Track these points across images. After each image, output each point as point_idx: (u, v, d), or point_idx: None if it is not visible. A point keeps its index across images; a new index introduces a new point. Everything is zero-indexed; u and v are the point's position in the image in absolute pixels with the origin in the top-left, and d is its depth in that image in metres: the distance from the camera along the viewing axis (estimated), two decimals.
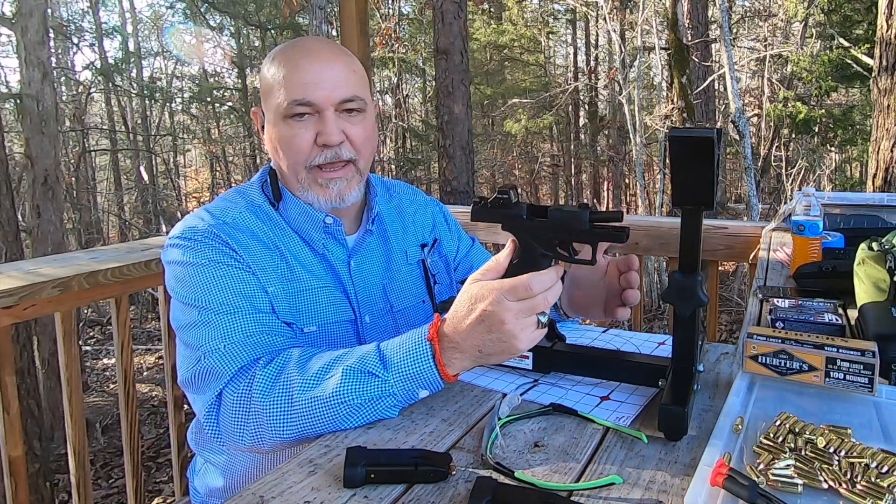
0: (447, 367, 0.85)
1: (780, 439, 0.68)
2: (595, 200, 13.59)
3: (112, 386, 6.71)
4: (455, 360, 0.85)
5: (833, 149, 10.46)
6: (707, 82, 9.48)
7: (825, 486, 0.62)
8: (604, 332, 1.19)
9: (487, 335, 0.82)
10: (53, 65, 8.00)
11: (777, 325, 1.04)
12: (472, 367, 0.88)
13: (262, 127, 1.13)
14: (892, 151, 3.47)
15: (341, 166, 1.09)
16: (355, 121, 1.09)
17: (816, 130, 8.97)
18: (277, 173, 1.15)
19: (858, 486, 0.61)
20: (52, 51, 10.20)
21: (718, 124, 10.73)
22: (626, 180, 13.46)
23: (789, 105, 8.89)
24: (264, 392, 0.90)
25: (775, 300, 1.15)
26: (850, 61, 7.91)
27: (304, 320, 1.07)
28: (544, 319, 0.83)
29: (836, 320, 1.03)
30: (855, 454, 0.65)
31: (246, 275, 1.03)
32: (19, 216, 5.86)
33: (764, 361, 0.82)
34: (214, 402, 0.94)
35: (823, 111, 9.01)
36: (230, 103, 13.55)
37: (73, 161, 11.06)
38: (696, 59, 8.90)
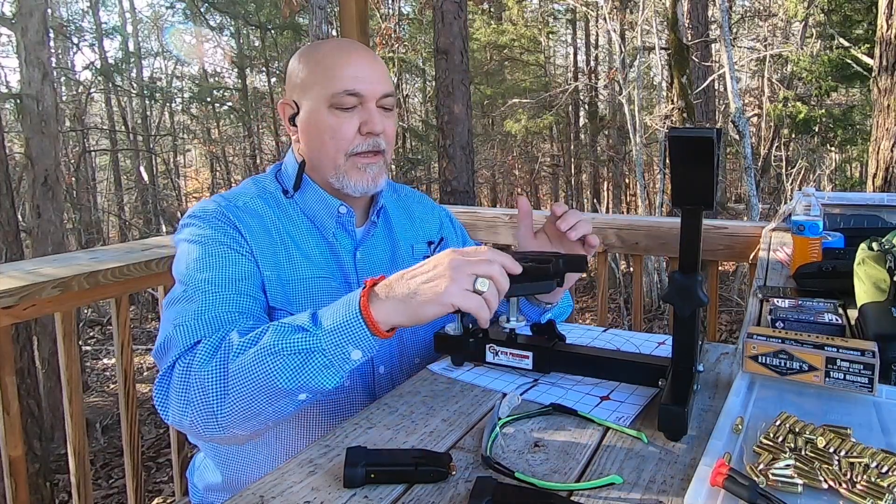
0: (374, 313, 0.82)
1: (780, 439, 0.68)
2: (595, 200, 13.59)
3: (112, 386, 6.71)
4: (382, 306, 0.83)
5: (833, 149, 10.46)
6: (707, 82, 9.48)
7: (825, 486, 0.62)
8: (604, 331, 1.19)
9: (422, 276, 0.82)
10: (53, 65, 8.00)
11: (777, 325, 1.04)
12: (403, 321, 0.83)
13: (291, 118, 1.17)
14: (892, 151, 3.46)
15: (374, 154, 1.14)
16: (388, 115, 1.16)
17: (816, 130, 8.97)
18: (307, 162, 1.18)
19: (858, 486, 0.61)
20: (52, 51, 10.20)
21: (718, 124, 10.73)
22: (626, 180, 13.46)
23: (789, 105, 8.89)
24: (202, 362, 0.89)
25: (775, 300, 1.15)
26: (850, 61, 7.91)
27: (300, 310, 1.07)
28: (483, 288, 0.81)
29: (836, 320, 1.03)
30: (855, 454, 0.65)
31: (240, 258, 1.05)
32: (19, 216, 5.86)
33: (764, 361, 0.82)
34: (166, 372, 0.93)
35: (823, 111, 9.01)
36: (230, 103, 13.55)
37: (73, 161, 11.06)
38: (696, 59, 8.90)
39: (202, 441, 0.97)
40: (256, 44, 13.68)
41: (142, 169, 12.29)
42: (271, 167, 1.24)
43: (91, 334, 8.52)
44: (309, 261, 1.12)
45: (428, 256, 1.26)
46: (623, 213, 13.12)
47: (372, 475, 0.71)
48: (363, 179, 1.14)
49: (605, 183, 14.00)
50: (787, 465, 0.64)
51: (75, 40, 12.13)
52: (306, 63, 1.14)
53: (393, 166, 12.03)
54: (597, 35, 14.01)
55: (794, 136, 9.81)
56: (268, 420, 0.90)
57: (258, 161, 13.70)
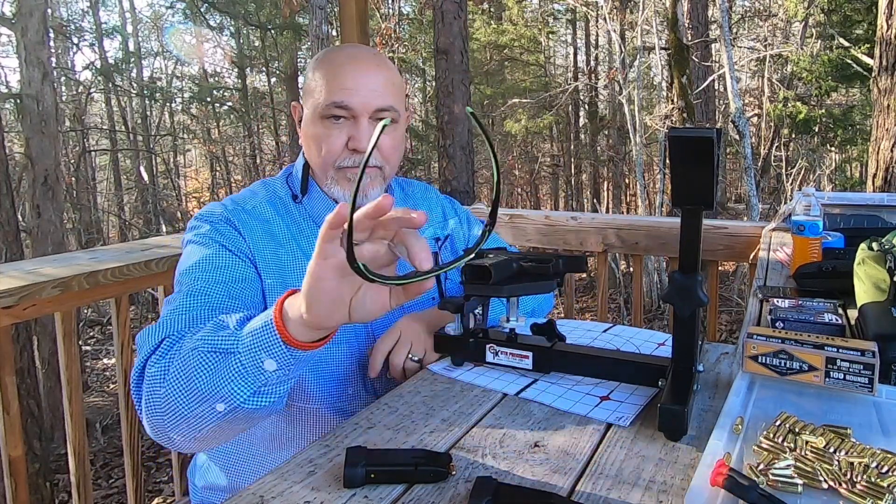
0: (285, 319, 0.74)
1: (780, 439, 0.68)
2: (595, 200, 13.59)
3: (112, 386, 6.71)
4: (293, 307, 0.73)
5: (833, 149, 10.46)
6: (707, 82, 9.48)
7: (825, 486, 0.62)
8: (604, 331, 1.19)
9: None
10: (53, 65, 8.00)
11: (777, 325, 1.04)
12: (307, 318, 0.71)
13: (300, 121, 1.18)
14: (892, 151, 3.46)
15: None
16: (387, 130, 1.09)
17: (816, 130, 8.97)
18: (310, 166, 1.19)
19: (858, 486, 0.61)
20: (52, 51, 10.19)
21: (718, 124, 10.73)
22: (626, 180, 13.45)
23: (789, 105, 8.89)
24: (158, 358, 0.88)
25: (775, 300, 1.15)
26: (850, 61, 7.91)
27: None
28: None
29: (836, 320, 1.03)
30: (855, 454, 0.65)
31: (237, 261, 1.05)
32: (19, 216, 5.86)
33: (764, 361, 0.82)
34: (139, 372, 0.90)
35: (823, 111, 9.01)
36: (230, 103, 13.55)
37: (73, 161, 11.05)
38: (696, 59, 8.90)
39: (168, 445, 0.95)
40: (256, 44, 13.67)
41: (142, 169, 12.28)
42: (283, 169, 1.24)
43: (91, 334, 8.52)
44: None
45: (436, 253, 1.26)
46: (623, 213, 13.12)
47: (372, 475, 0.71)
48: (351, 190, 1.11)
49: (605, 183, 14.00)
50: (787, 465, 0.64)
51: (75, 40, 12.14)
52: (315, 68, 1.14)
53: None
54: (597, 35, 14.01)
55: (794, 136, 9.80)
56: (194, 429, 0.84)
57: (258, 161, 13.70)
